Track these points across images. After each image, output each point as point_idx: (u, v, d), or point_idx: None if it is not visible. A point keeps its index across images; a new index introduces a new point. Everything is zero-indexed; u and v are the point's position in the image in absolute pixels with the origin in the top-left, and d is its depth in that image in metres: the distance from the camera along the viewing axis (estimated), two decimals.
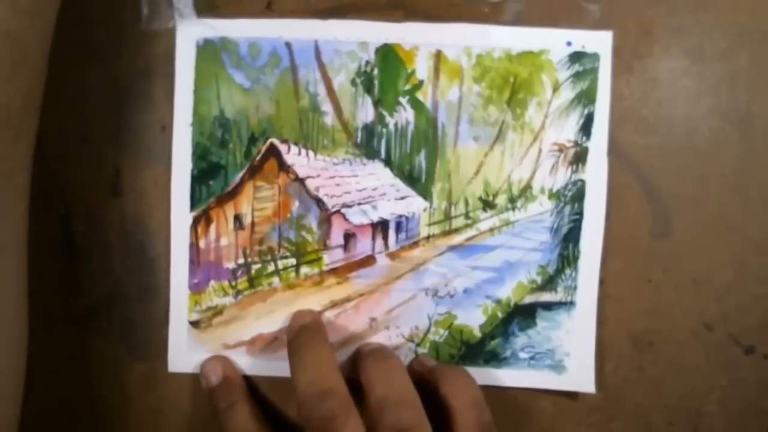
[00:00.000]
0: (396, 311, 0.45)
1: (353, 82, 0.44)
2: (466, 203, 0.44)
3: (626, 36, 0.44)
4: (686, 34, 0.44)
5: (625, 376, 0.45)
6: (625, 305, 0.45)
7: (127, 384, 0.45)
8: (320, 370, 0.40)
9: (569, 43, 0.44)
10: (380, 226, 0.45)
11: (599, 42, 0.43)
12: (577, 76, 0.43)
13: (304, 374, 0.40)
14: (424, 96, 0.44)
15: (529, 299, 0.45)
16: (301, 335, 0.42)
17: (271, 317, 0.44)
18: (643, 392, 0.45)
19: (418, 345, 0.45)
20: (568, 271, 0.44)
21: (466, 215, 0.44)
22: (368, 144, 0.44)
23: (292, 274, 0.45)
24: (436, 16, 0.43)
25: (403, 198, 0.44)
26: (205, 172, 0.44)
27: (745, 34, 0.44)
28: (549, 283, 0.44)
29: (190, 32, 0.43)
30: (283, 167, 0.44)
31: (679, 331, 0.44)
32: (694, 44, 0.44)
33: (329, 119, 0.44)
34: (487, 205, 0.44)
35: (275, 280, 0.45)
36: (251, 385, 0.45)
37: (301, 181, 0.44)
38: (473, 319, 0.45)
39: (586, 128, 0.44)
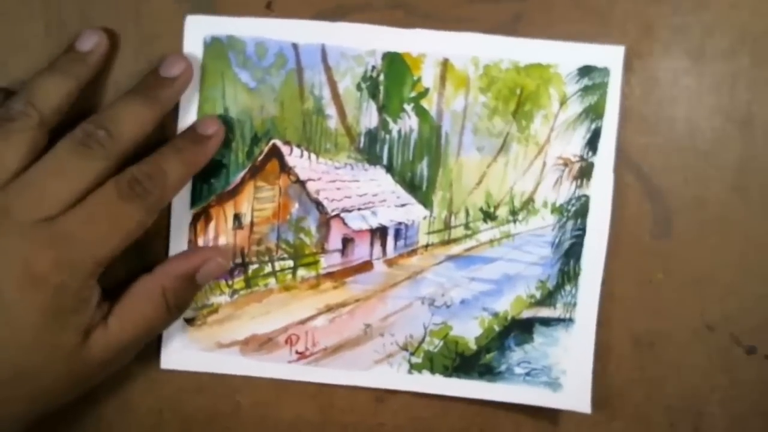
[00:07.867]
0: (391, 318, 0.45)
1: (359, 87, 0.43)
2: (467, 213, 0.44)
3: (627, 35, 0.43)
4: (687, 33, 0.43)
5: (626, 377, 0.45)
6: (626, 306, 0.45)
7: (126, 383, 0.45)
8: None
9: (579, 57, 0.43)
10: (379, 232, 0.44)
11: (610, 56, 0.43)
12: (585, 90, 0.43)
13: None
14: (429, 104, 0.43)
15: (527, 314, 0.44)
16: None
17: (266, 318, 0.44)
18: (644, 393, 0.45)
19: (413, 354, 0.44)
20: (568, 288, 0.44)
21: (466, 225, 0.44)
22: (371, 149, 0.44)
23: (289, 276, 0.44)
24: (436, 16, 0.42)
25: (403, 205, 0.44)
26: (206, 170, 0.43)
27: (746, 34, 0.43)
28: (548, 298, 0.44)
29: (199, 29, 0.42)
30: (285, 169, 0.44)
31: (681, 331, 0.45)
32: (695, 43, 0.43)
33: (333, 123, 0.43)
34: (488, 216, 0.44)
35: (272, 281, 0.44)
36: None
37: (301, 183, 0.44)
38: (469, 330, 0.44)
39: (592, 143, 0.43)
